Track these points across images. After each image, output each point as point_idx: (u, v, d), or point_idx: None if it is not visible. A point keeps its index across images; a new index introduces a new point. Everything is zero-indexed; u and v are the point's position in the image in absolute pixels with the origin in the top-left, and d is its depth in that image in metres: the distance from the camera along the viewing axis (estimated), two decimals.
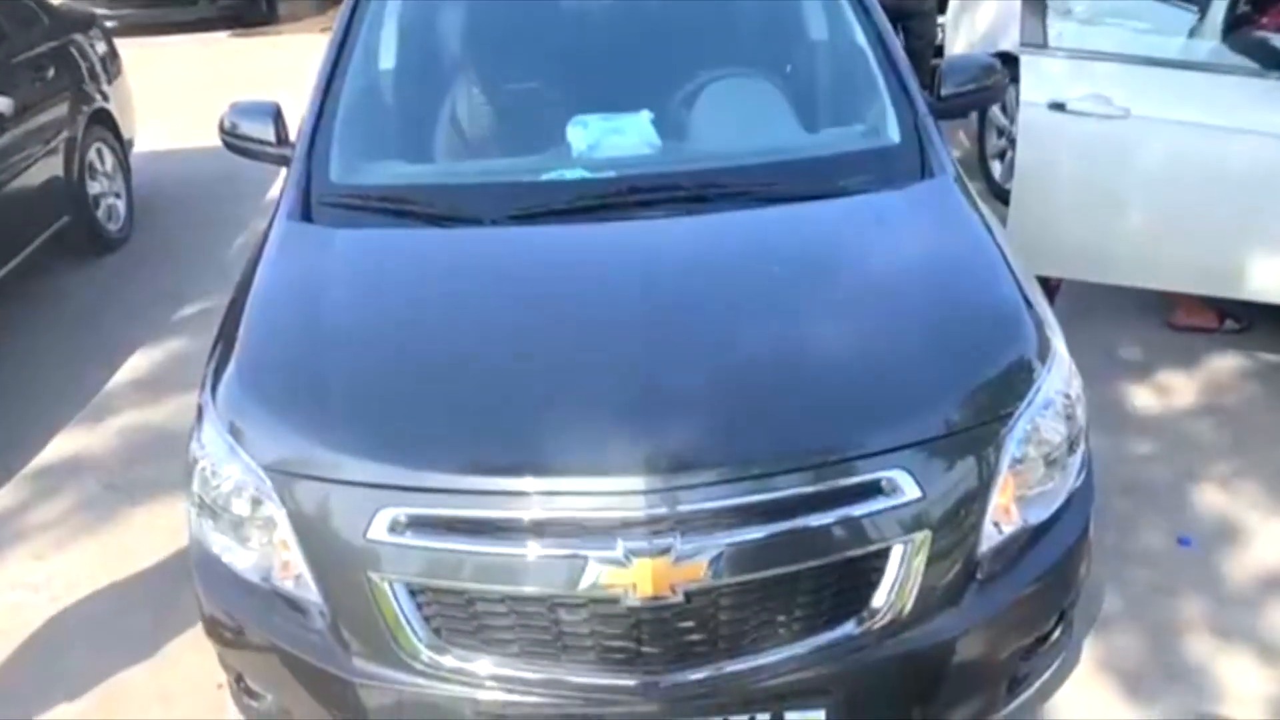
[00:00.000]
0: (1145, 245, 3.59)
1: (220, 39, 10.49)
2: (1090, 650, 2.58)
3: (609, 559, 1.73)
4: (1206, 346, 3.95)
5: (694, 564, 1.73)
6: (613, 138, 2.69)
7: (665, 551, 1.72)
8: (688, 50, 2.98)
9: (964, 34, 5.54)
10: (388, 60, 2.99)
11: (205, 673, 2.47)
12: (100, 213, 5.22)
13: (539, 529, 1.77)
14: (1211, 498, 3.13)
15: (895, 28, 5.53)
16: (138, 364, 4.18)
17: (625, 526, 1.74)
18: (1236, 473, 3.25)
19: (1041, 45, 3.59)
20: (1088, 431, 2.14)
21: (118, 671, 2.67)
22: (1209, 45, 3.87)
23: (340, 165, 2.64)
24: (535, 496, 1.78)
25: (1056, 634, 2.14)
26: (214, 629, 2.09)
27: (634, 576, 1.73)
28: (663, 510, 1.74)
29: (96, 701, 2.59)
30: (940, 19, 5.77)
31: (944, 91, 2.83)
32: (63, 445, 3.69)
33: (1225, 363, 3.87)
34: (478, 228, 2.44)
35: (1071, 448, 2.04)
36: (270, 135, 2.79)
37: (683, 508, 1.75)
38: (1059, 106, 3.53)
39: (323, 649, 1.88)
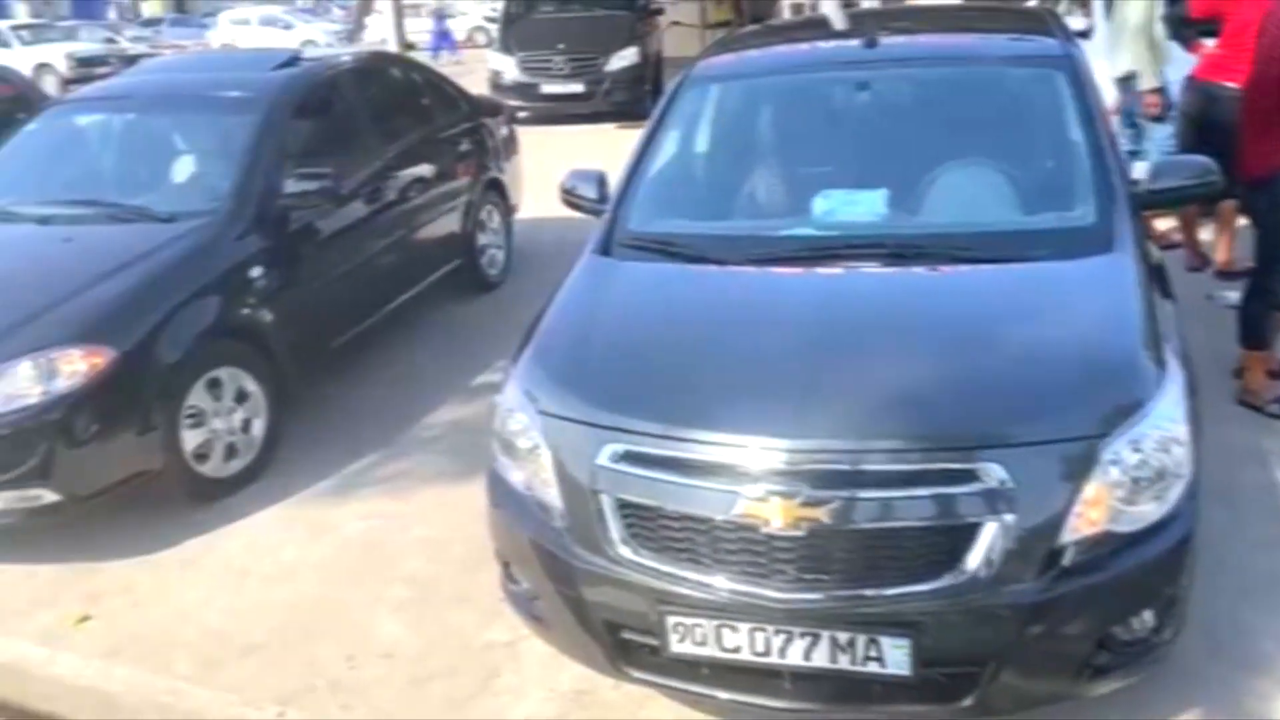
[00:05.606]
0: None
1: (609, 130, 12.05)
2: None
3: (753, 496, 2.37)
4: None
5: (816, 509, 2.33)
6: (848, 207, 3.34)
7: (794, 495, 2.34)
8: (930, 144, 3.56)
9: None
10: (683, 143, 3.85)
11: (493, 585, 3.24)
12: (484, 260, 6.53)
13: (708, 468, 2.44)
14: None
15: (1200, 145, 5.67)
16: (490, 377, 5.20)
17: (769, 473, 2.38)
18: None
19: None
20: (1198, 471, 2.49)
21: (435, 578, 3.61)
22: None
23: (637, 217, 3.49)
24: (709, 445, 2.46)
25: (1149, 636, 2.47)
26: (494, 526, 2.93)
27: (770, 511, 2.35)
28: (797, 466, 2.37)
29: (416, 594, 3.53)
30: None
31: (1155, 185, 3.23)
32: (427, 425, 4.81)
33: None
34: (722, 266, 3.18)
35: (1166, 477, 2.41)
36: (594, 194, 3.72)
37: (812, 466, 2.37)
38: None
39: (558, 541, 2.63)
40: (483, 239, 6.50)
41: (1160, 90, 5.99)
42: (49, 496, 3.74)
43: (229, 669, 3.22)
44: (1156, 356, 2.59)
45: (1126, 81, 6.21)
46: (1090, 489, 2.35)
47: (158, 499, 4.08)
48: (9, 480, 3.67)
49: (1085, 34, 6.94)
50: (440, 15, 27.35)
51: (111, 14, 40.88)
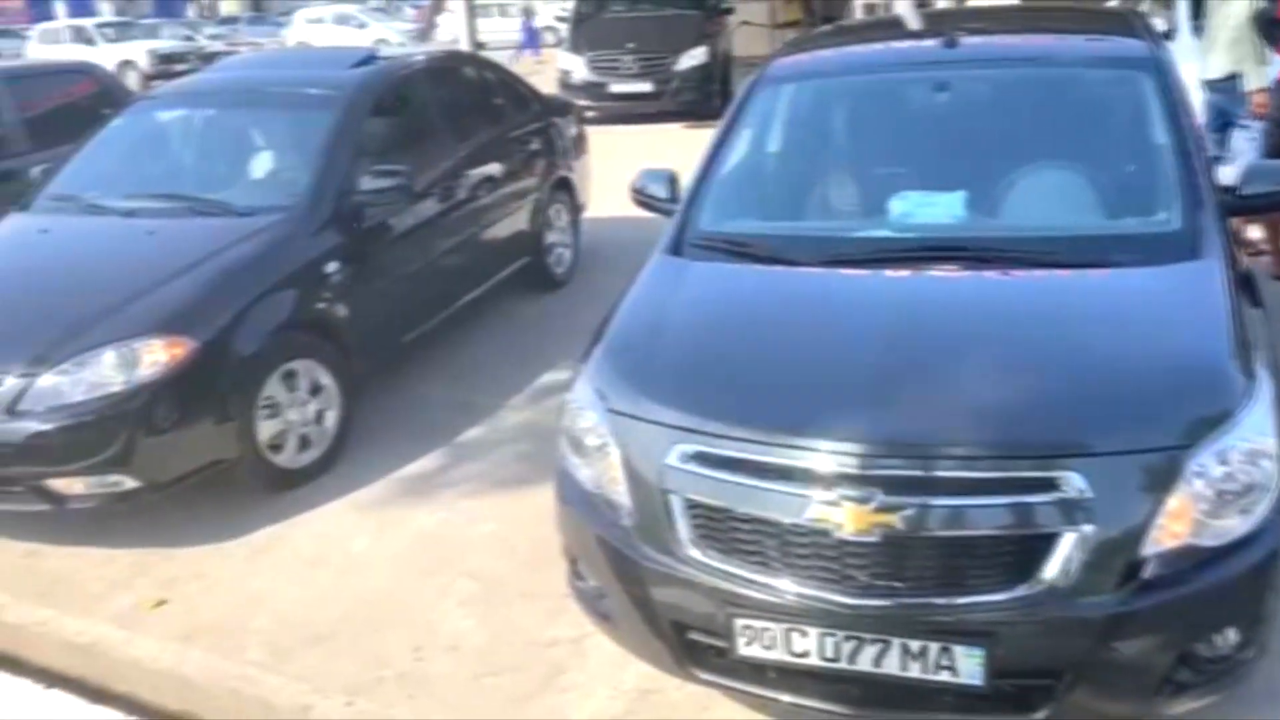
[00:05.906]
0: None
1: (676, 130, 12.04)
2: None
3: (825, 500, 2.35)
4: None
5: (889, 515, 2.30)
6: (925, 209, 3.29)
7: (867, 501, 2.31)
8: (1010, 146, 3.50)
9: None
10: (756, 143, 3.83)
11: (559, 582, 3.24)
12: (551, 259, 6.56)
13: (780, 471, 2.42)
14: None
15: None
16: (551, 377, 5.20)
17: (842, 478, 2.35)
18: None
19: None
20: None
21: (499, 573, 3.63)
22: None
23: (709, 217, 3.48)
24: (781, 447, 2.43)
25: (1232, 653, 2.39)
26: (562, 523, 2.93)
27: (842, 516, 2.32)
28: (870, 470, 2.34)
29: (481, 590, 3.55)
30: None
31: (1245, 191, 3.14)
32: (495, 422, 4.83)
33: None
34: (795, 267, 3.16)
35: (1253, 490, 2.33)
36: (665, 194, 3.72)
37: (885, 471, 2.34)
38: None
39: (626, 540, 2.63)
40: (551, 237, 6.54)
41: (1267, 90, 5.84)
42: (129, 483, 3.83)
43: (299, 657, 3.28)
44: (1245, 366, 2.51)
45: (1221, 83, 6.06)
46: (1173, 501, 2.29)
47: (232, 488, 4.16)
48: (91, 466, 3.76)
49: (1168, 35, 6.79)
50: (529, 14, 27.90)
51: (190, 12, 41.86)
